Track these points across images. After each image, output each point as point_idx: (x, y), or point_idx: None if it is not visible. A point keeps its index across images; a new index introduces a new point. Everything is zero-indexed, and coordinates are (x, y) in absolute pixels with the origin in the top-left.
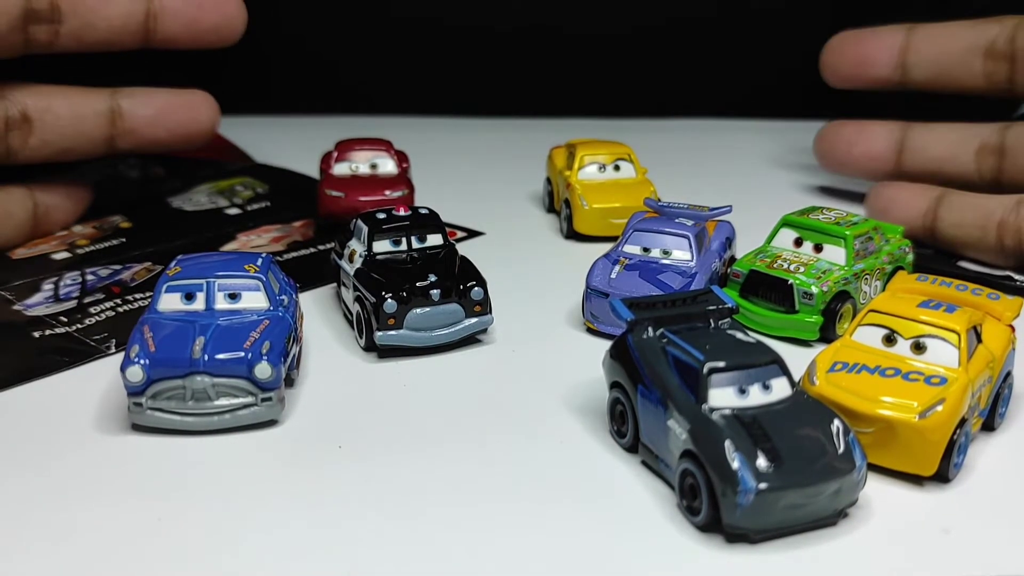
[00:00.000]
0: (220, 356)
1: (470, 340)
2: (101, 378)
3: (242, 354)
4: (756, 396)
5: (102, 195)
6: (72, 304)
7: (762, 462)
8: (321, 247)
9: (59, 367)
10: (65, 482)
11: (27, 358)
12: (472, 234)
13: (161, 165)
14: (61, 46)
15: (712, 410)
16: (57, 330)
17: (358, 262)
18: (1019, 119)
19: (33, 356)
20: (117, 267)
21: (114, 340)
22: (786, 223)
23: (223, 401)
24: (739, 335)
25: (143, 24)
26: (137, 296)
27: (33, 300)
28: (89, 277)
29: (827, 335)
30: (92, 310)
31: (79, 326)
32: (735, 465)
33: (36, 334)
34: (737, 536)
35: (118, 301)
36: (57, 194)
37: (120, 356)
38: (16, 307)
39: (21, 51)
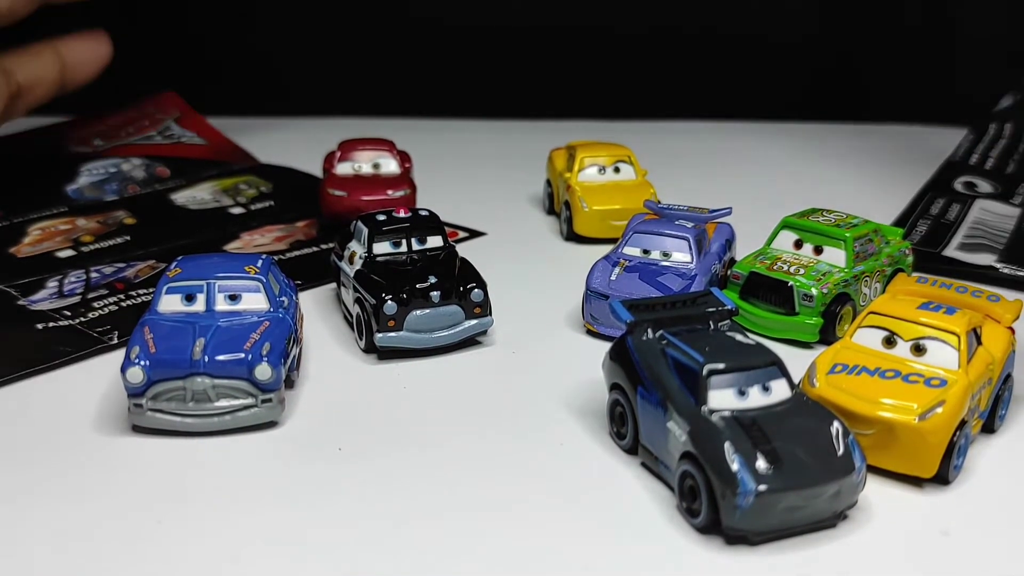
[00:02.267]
0: (220, 357)
1: (470, 342)
2: (101, 379)
3: (242, 355)
4: (756, 398)
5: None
6: (76, 299)
7: (762, 464)
8: (324, 246)
9: (61, 357)
10: (65, 484)
11: (30, 349)
12: (474, 234)
13: (166, 164)
14: (19, 115)
15: (712, 412)
16: (60, 323)
17: (358, 264)
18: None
19: (36, 347)
20: (121, 265)
21: (116, 332)
22: (786, 225)
23: (223, 402)
24: (739, 337)
25: (59, 78)
26: (140, 292)
27: (38, 296)
28: (93, 274)
29: (827, 337)
30: (95, 304)
31: (82, 319)
32: (735, 467)
33: (40, 327)
34: (737, 538)
35: (121, 296)
36: (81, 51)
37: (121, 350)
38: (21, 302)
39: None
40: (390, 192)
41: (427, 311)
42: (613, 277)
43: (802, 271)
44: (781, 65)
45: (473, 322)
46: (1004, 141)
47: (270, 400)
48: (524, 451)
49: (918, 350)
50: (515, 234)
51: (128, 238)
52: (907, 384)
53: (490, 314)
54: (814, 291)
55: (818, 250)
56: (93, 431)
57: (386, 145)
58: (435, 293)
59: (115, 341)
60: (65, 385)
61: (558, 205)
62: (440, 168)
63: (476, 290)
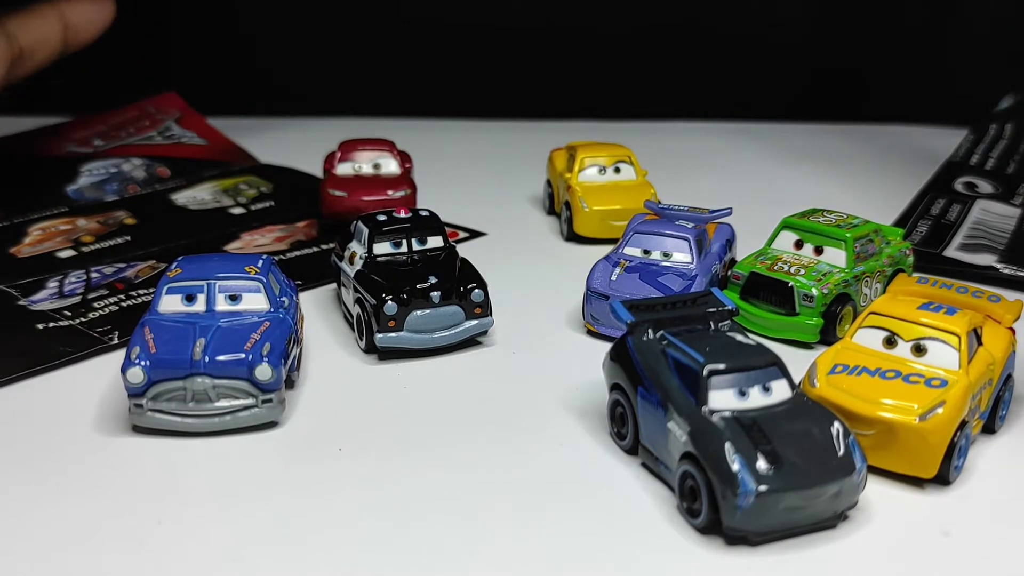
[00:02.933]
0: (221, 358)
1: (470, 342)
2: (102, 379)
3: (243, 356)
4: (756, 398)
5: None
6: (76, 300)
7: (762, 464)
8: (324, 246)
9: (61, 357)
10: (65, 484)
11: (31, 349)
12: (474, 234)
13: (166, 164)
14: (20, 78)
15: (712, 412)
16: (61, 323)
17: (358, 264)
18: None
19: (37, 347)
20: (121, 265)
21: (116, 332)
22: (786, 225)
23: (224, 403)
24: (739, 337)
25: (63, 40)
26: (140, 292)
27: (38, 296)
28: (94, 274)
29: (827, 337)
30: (96, 304)
31: (83, 319)
32: (735, 467)
33: (40, 327)
34: (737, 538)
35: (121, 296)
36: (84, 11)
37: (121, 350)
38: (21, 303)
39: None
40: (390, 192)
41: (427, 311)
42: (613, 277)
43: (802, 271)
44: (781, 65)
45: (473, 322)
46: (1004, 142)
47: (270, 400)
48: (524, 451)
49: (919, 350)
50: (515, 234)
51: (128, 238)
52: (908, 384)
53: (490, 314)
54: (814, 291)
55: (818, 250)
56: (93, 431)
57: (386, 145)
58: (435, 293)
59: (115, 341)
60: (65, 385)
61: (558, 205)
62: (440, 168)
63: (476, 290)
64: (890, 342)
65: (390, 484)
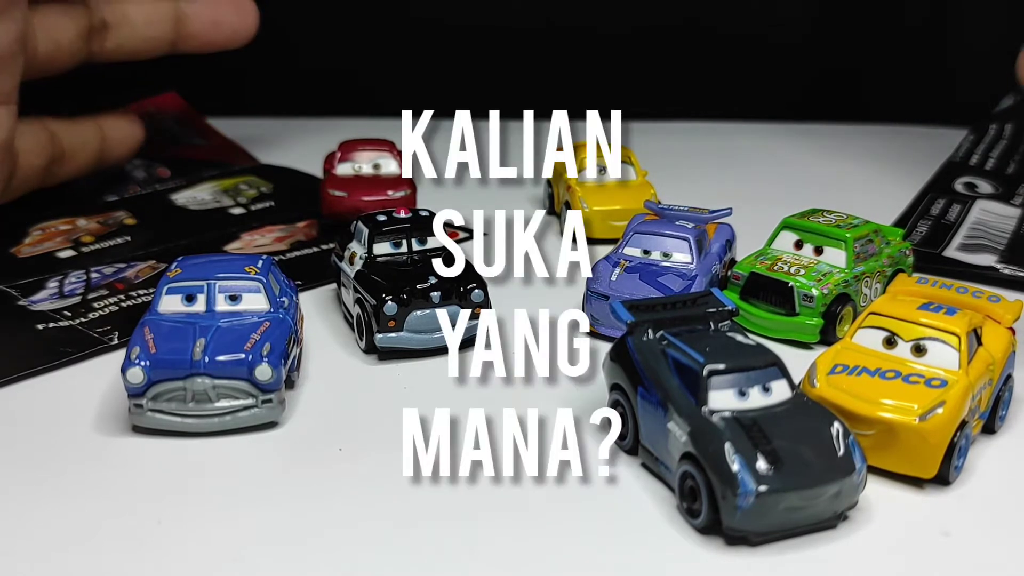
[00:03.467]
0: (221, 358)
1: (470, 342)
2: (101, 379)
3: (243, 356)
4: (756, 398)
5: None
6: (76, 300)
7: (762, 464)
8: (324, 247)
9: (62, 357)
10: (65, 484)
11: (31, 350)
12: (474, 235)
13: (166, 164)
14: (107, 55)
15: (712, 412)
16: (61, 323)
17: (358, 264)
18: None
19: (36, 348)
20: (121, 265)
21: (116, 332)
22: (786, 225)
23: (223, 403)
24: (739, 337)
25: (172, 30)
26: (140, 292)
27: (38, 297)
28: (93, 275)
29: (827, 337)
30: (96, 304)
31: (82, 320)
32: (735, 467)
33: (40, 327)
34: (737, 538)
35: (121, 296)
36: (119, 127)
37: (121, 350)
38: (21, 303)
39: (80, 61)
40: (390, 192)
41: (427, 311)
42: (613, 277)
43: (802, 271)
44: (781, 65)
45: (474, 322)
46: (1004, 142)
47: (270, 400)
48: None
49: (918, 351)
50: (515, 234)
51: (128, 238)
52: (907, 385)
53: None
54: (814, 292)
55: (818, 251)
56: (93, 431)
57: (386, 145)
58: (435, 293)
59: (115, 341)
60: (65, 385)
61: (558, 205)
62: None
63: (476, 290)
64: (890, 342)
65: (390, 484)
